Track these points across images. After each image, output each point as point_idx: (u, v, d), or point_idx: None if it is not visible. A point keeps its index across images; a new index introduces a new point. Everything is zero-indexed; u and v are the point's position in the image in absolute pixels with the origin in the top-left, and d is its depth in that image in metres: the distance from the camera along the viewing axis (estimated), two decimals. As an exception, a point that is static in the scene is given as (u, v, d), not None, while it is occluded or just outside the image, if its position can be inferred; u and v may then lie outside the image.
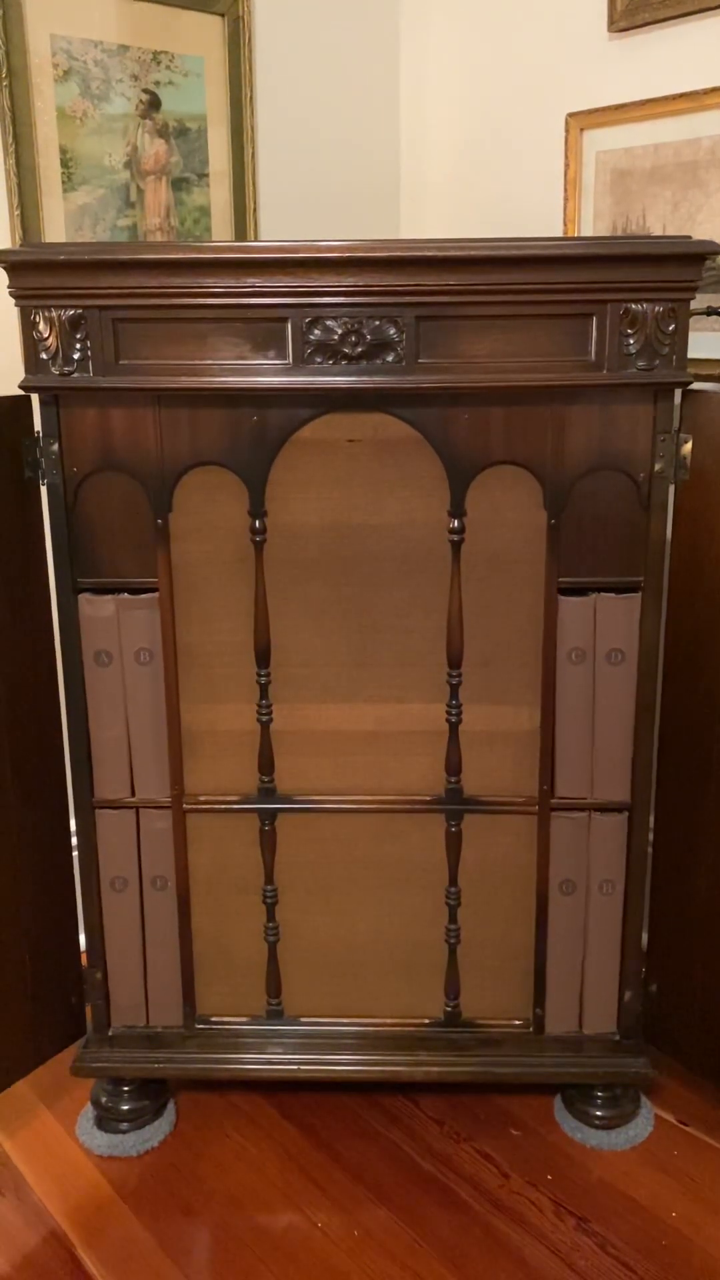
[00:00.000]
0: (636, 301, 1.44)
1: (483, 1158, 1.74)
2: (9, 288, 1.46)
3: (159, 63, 2.01)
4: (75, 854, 1.74)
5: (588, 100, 2.01)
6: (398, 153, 2.41)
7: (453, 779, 1.67)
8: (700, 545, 1.64)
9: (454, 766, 1.66)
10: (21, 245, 1.88)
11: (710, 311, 1.81)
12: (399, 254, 1.42)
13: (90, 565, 1.59)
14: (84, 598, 1.60)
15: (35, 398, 1.55)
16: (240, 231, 2.17)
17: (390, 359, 1.47)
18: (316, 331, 1.46)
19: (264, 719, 1.65)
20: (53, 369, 1.49)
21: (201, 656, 1.63)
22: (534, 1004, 1.75)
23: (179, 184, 2.09)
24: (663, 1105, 1.83)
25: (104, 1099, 1.78)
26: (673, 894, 1.79)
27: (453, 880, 1.71)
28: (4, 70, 1.82)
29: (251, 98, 2.14)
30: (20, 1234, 1.61)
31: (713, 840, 1.72)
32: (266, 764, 1.67)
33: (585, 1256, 1.56)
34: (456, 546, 1.57)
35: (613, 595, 1.58)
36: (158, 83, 2.02)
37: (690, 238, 1.46)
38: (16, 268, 1.45)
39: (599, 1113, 1.77)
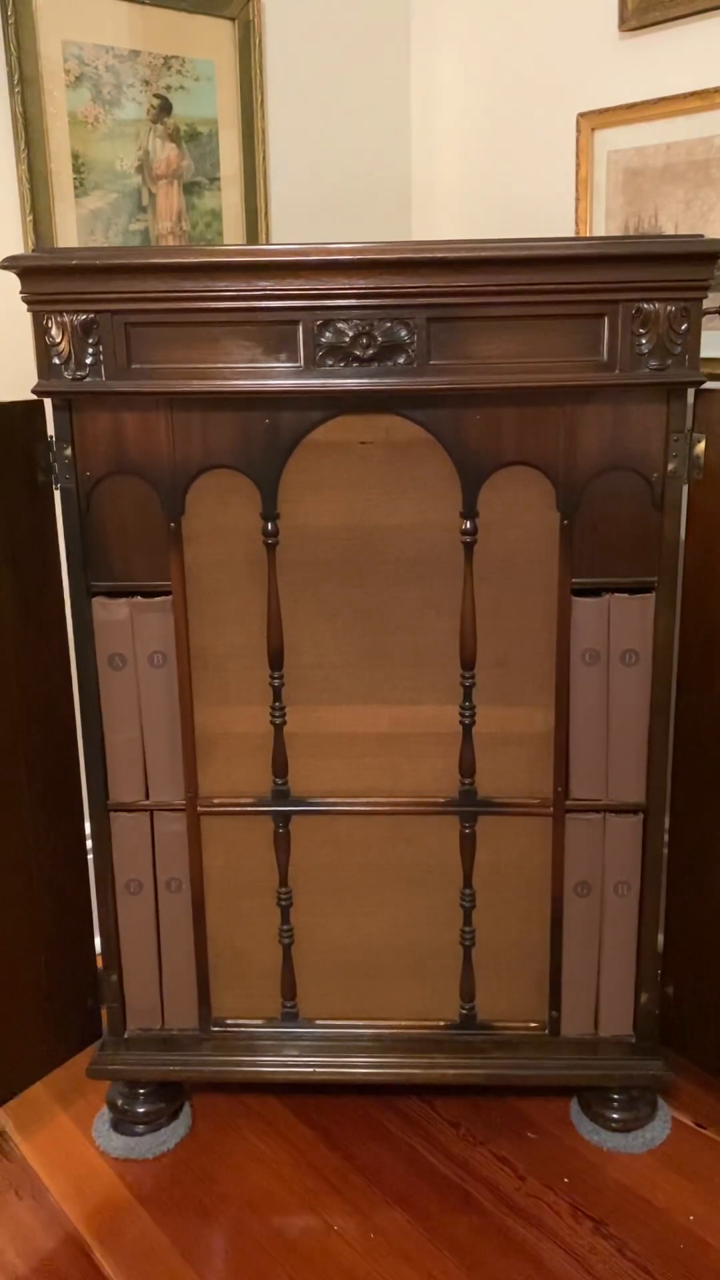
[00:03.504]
0: (648, 301, 1.44)
1: (499, 1160, 1.73)
2: (21, 293, 1.47)
3: (170, 67, 2.02)
4: (90, 857, 1.74)
5: (599, 100, 2.01)
6: (409, 155, 2.41)
7: (467, 781, 1.66)
8: (714, 545, 1.63)
9: (468, 768, 1.66)
10: (34, 250, 1.89)
11: (723, 310, 1.80)
12: (410, 256, 1.42)
13: (104, 569, 1.60)
14: (98, 601, 1.60)
15: (48, 402, 1.56)
16: (252, 235, 2.18)
17: (402, 361, 1.47)
18: (328, 334, 1.46)
19: (277, 721, 1.65)
20: (65, 374, 1.49)
21: (215, 659, 1.63)
22: (549, 1006, 1.74)
23: (190, 188, 2.09)
24: (680, 1108, 1.82)
25: (120, 1101, 1.78)
26: (688, 895, 1.79)
27: (467, 882, 1.70)
28: (16, 77, 1.83)
29: (262, 101, 2.14)
30: (37, 1236, 1.62)
31: (729, 841, 1.71)
32: (280, 766, 1.67)
33: (603, 1260, 1.55)
34: (469, 547, 1.57)
35: (626, 596, 1.58)
36: (169, 87, 2.03)
37: (702, 236, 1.45)
38: (29, 273, 1.45)
39: (615, 1115, 1.76)
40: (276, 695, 1.64)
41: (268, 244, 2.17)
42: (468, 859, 1.69)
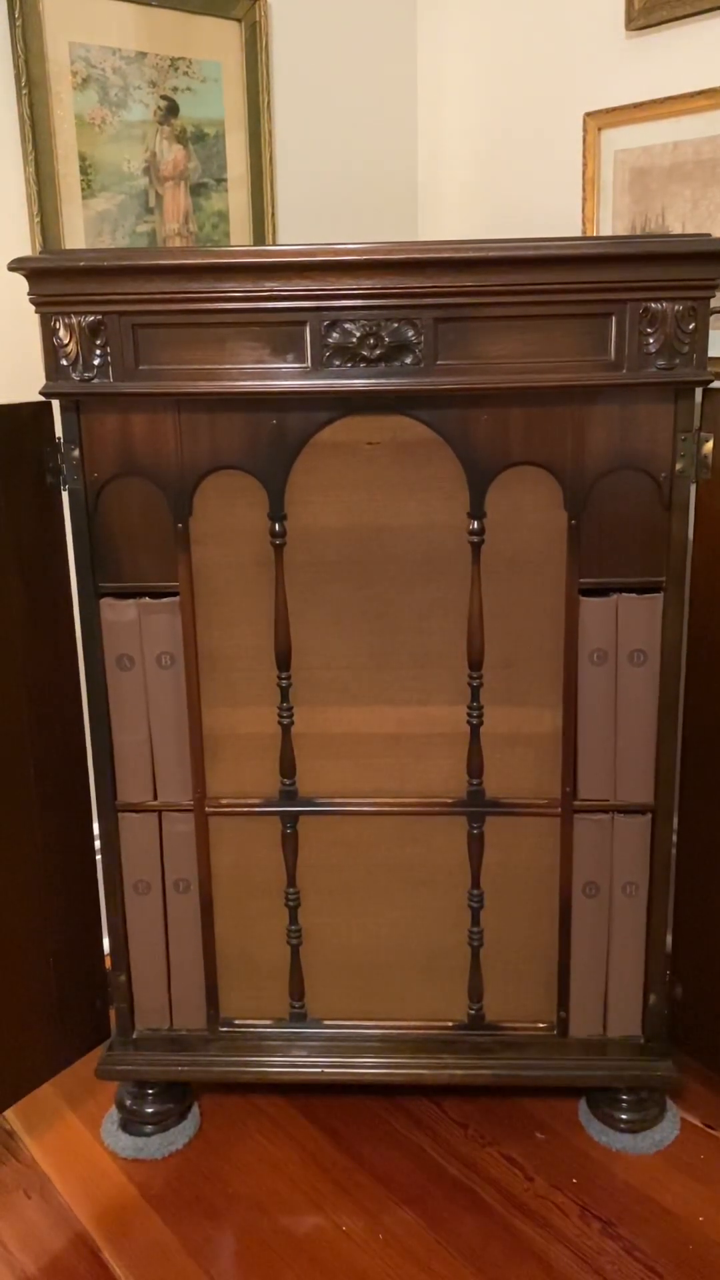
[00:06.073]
0: (656, 300, 1.44)
1: (507, 1161, 1.73)
2: (29, 294, 1.47)
3: (177, 69, 2.02)
4: (98, 857, 1.74)
5: (605, 99, 2.01)
6: (415, 155, 2.41)
7: (474, 781, 1.66)
8: (722, 545, 1.63)
9: (476, 769, 1.66)
10: (42, 252, 1.89)
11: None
12: (416, 256, 1.42)
13: (111, 570, 1.60)
14: (105, 602, 1.61)
15: (56, 404, 1.56)
16: (258, 236, 2.18)
17: (409, 361, 1.47)
18: (335, 334, 1.46)
19: (285, 722, 1.65)
20: (73, 375, 1.50)
21: (222, 660, 1.64)
22: (558, 1007, 1.74)
23: (197, 189, 2.10)
24: (688, 1109, 1.82)
25: (128, 1102, 1.79)
26: (697, 895, 1.78)
27: (475, 883, 1.70)
28: (24, 79, 1.84)
29: (269, 103, 2.14)
30: (46, 1236, 1.62)
31: (737, 842, 1.71)
32: (288, 767, 1.67)
33: (611, 1261, 1.55)
34: (477, 548, 1.57)
35: (634, 596, 1.57)
36: (175, 89, 2.03)
37: (710, 235, 1.46)
38: (37, 275, 1.46)
39: (624, 1116, 1.76)
40: (284, 696, 1.64)
41: (274, 245, 2.18)
42: (475, 859, 1.69)
